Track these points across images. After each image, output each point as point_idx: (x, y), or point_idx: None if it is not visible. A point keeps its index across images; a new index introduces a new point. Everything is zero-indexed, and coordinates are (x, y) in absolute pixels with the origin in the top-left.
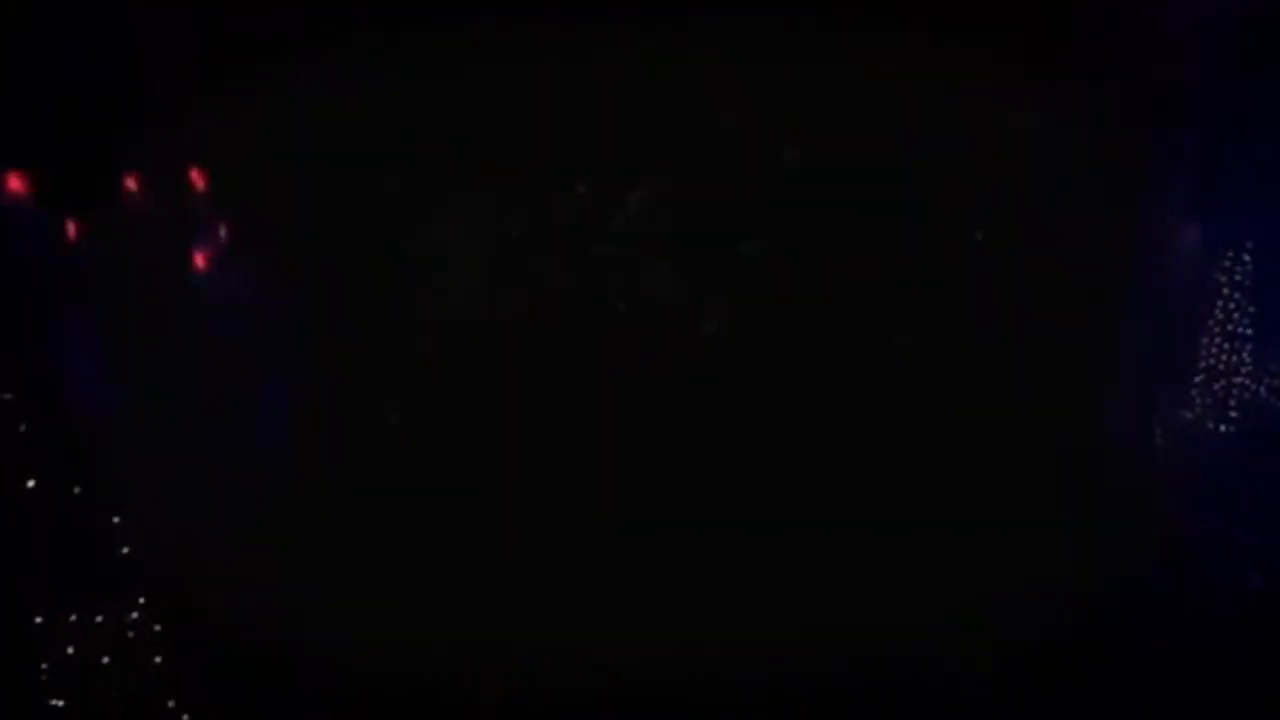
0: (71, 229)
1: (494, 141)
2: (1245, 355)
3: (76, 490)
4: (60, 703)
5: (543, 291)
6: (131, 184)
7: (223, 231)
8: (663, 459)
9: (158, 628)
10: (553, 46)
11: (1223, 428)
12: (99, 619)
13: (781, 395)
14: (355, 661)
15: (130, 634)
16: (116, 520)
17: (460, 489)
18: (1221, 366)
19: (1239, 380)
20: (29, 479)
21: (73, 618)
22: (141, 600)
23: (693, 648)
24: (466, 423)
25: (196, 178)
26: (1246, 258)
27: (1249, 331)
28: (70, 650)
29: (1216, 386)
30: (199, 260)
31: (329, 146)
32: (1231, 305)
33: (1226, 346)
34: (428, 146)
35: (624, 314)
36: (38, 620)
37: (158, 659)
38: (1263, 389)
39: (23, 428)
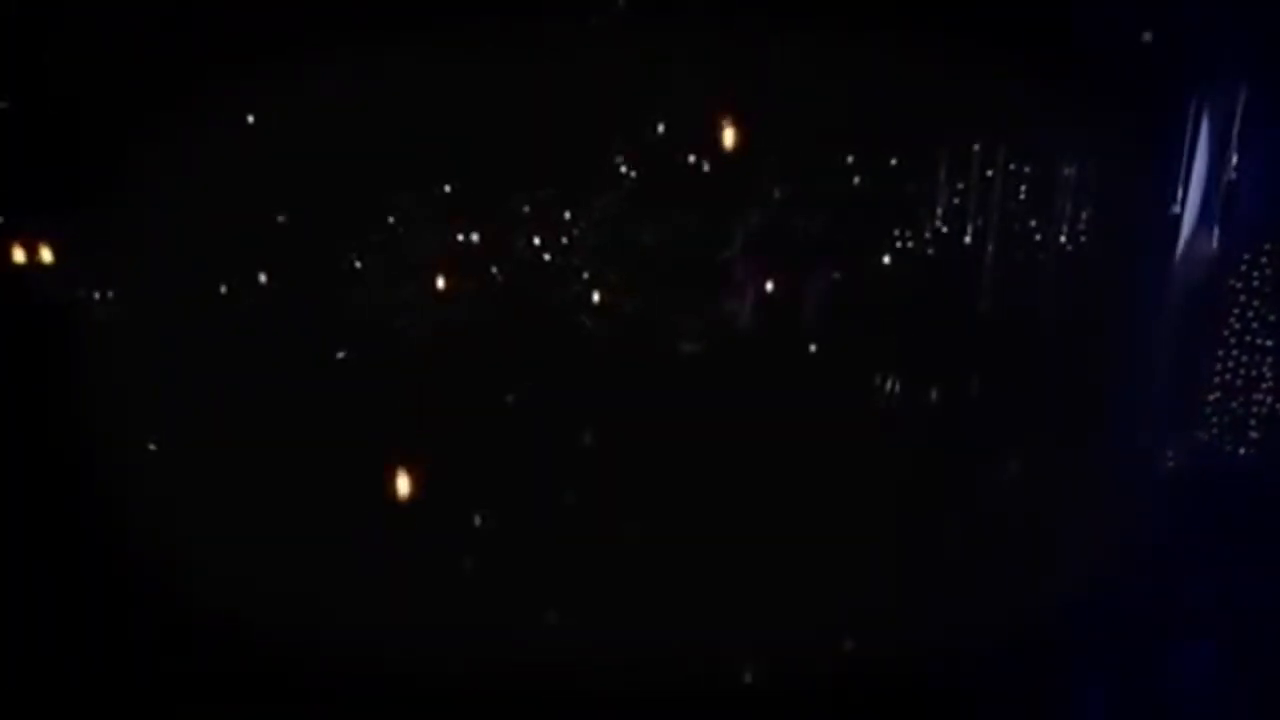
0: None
1: (449, 143)
2: (1266, 369)
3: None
4: None
5: (502, 306)
6: None
7: None
8: (638, 476)
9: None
10: (515, 45)
11: (1241, 449)
12: None
13: (769, 410)
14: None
15: None
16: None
17: (411, 509)
18: (1239, 382)
19: (1259, 397)
20: None
21: None
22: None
23: (668, 668)
24: (419, 441)
25: None
26: (1265, 260)
27: (1269, 343)
28: None
29: (1234, 404)
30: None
31: (281, 147)
32: (1250, 314)
33: (1244, 360)
34: (377, 146)
35: (590, 329)
36: None
37: None
38: None
39: None
